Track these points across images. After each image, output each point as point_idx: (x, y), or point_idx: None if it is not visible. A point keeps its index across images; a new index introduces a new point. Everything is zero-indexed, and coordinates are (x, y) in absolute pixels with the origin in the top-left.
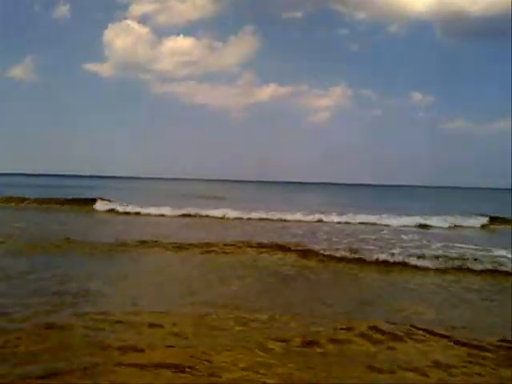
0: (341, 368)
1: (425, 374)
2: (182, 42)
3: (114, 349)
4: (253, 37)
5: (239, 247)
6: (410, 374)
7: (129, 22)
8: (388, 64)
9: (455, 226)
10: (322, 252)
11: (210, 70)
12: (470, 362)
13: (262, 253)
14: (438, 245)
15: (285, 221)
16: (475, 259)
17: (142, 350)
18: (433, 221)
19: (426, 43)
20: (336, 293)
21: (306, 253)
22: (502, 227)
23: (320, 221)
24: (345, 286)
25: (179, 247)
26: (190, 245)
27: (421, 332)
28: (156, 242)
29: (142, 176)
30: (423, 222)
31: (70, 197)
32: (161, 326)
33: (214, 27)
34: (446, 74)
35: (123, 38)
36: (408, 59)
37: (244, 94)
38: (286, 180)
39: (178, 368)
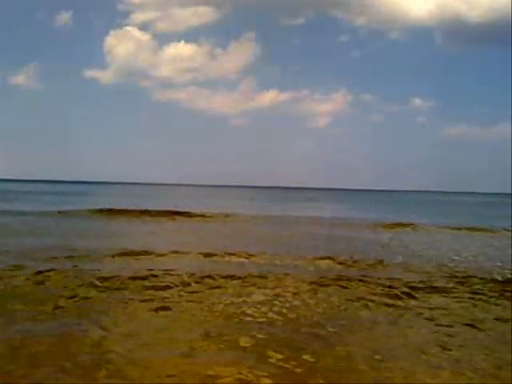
0: None
1: None
2: (183, 49)
3: None
4: (253, 43)
5: None
6: None
7: (130, 28)
8: (388, 69)
9: None
10: None
11: (211, 76)
12: None
13: None
14: None
15: None
16: None
17: None
18: None
19: (426, 48)
20: None
21: None
22: None
23: None
24: None
25: None
26: None
27: None
28: None
29: (143, 182)
30: None
31: None
32: None
33: (215, 34)
34: (446, 79)
35: (124, 44)
36: (408, 64)
37: (244, 100)
38: (286, 185)
39: None
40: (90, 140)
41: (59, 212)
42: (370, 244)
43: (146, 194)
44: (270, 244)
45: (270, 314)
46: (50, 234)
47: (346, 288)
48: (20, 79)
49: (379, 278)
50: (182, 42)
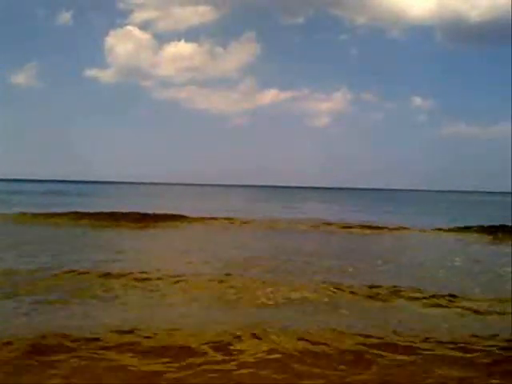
0: None
1: None
2: (183, 48)
3: None
4: (254, 42)
5: None
6: None
7: (130, 28)
8: (388, 68)
9: None
10: None
11: (211, 75)
12: None
13: None
14: None
15: None
16: None
17: None
18: None
19: (425, 47)
20: None
21: None
22: None
23: None
24: None
25: None
26: None
27: None
28: None
29: (143, 181)
30: None
31: None
32: None
33: (215, 33)
34: (446, 78)
35: (125, 44)
36: (408, 63)
37: (245, 99)
38: (286, 185)
39: None
40: (89, 139)
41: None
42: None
43: (149, 194)
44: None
45: None
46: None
47: None
48: (20, 78)
49: None
50: (183, 41)
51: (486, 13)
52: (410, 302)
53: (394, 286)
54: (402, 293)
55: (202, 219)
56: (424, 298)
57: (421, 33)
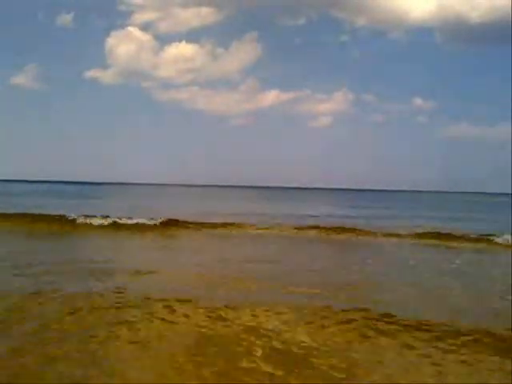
0: None
1: None
2: (185, 49)
3: None
4: (255, 43)
5: None
6: None
7: (131, 29)
8: (389, 69)
9: None
10: None
11: (212, 76)
12: None
13: None
14: None
15: None
16: None
17: None
18: None
19: (426, 48)
20: None
21: None
22: None
23: None
24: None
25: None
26: None
27: None
28: None
29: (144, 182)
30: None
31: None
32: None
33: (217, 34)
34: (447, 79)
35: (125, 45)
36: (409, 64)
37: (246, 100)
38: (287, 186)
39: None
40: (90, 140)
41: None
42: None
43: (157, 196)
44: None
45: None
46: None
47: None
48: (21, 79)
49: None
50: (184, 42)
51: (486, 14)
52: None
53: None
54: None
55: (208, 225)
56: None
57: (421, 34)
